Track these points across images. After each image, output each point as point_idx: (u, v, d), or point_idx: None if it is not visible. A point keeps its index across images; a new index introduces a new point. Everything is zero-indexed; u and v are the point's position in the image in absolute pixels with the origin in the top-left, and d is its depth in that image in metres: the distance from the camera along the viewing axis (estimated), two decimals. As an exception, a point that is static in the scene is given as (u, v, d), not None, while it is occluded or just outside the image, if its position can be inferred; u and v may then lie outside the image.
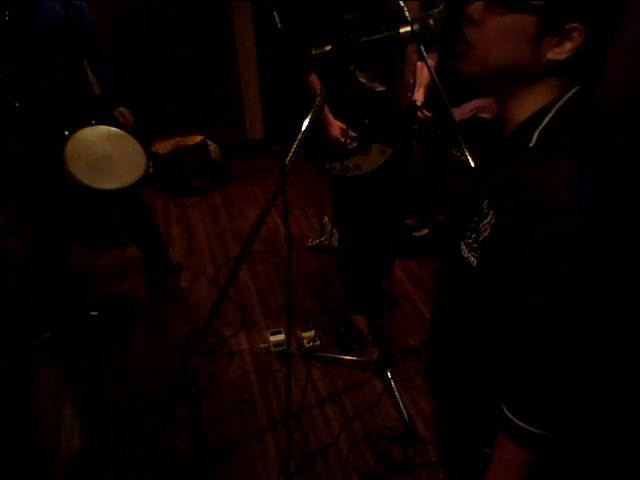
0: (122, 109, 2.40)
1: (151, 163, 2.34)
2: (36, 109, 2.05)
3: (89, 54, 2.26)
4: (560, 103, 0.73)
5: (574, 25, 0.67)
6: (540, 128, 0.73)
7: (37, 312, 2.52)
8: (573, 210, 0.67)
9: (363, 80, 1.83)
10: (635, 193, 0.71)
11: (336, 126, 1.84)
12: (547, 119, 0.73)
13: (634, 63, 1.88)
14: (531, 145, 0.73)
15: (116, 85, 2.41)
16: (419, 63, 1.85)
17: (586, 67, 0.72)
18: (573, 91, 0.73)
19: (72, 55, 2.09)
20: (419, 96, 1.87)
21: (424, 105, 1.86)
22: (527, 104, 0.75)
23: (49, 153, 2.09)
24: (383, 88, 1.85)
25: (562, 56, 0.69)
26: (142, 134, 2.37)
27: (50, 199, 2.19)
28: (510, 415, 0.79)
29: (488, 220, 0.78)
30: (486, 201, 0.80)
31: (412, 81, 1.91)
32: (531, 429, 0.77)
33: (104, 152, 2.16)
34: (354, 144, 1.86)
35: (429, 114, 1.86)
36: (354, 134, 1.84)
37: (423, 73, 1.86)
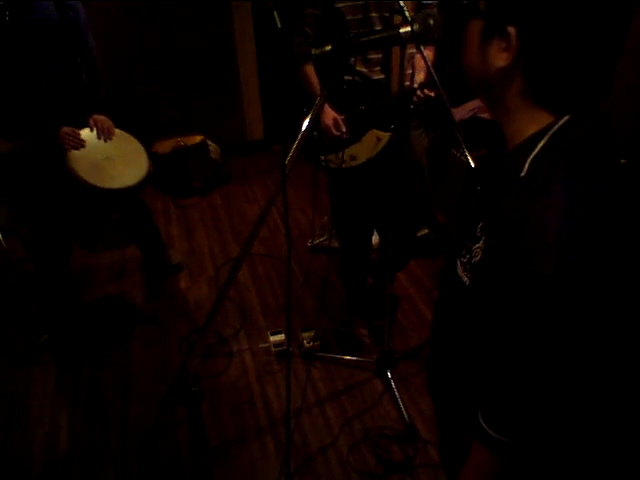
0: (98, 116, 2.18)
1: (151, 163, 2.32)
2: (35, 110, 2.04)
3: (81, 55, 2.23)
4: (554, 129, 0.69)
5: (511, 28, 0.65)
6: (532, 157, 0.69)
7: (37, 312, 2.52)
8: (555, 253, 0.64)
9: (363, 70, 1.82)
10: (631, 224, 0.69)
11: (330, 115, 1.81)
12: (540, 146, 0.69)
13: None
14: (522, 175, 0.69)
15: (111, 88, 2.30)
16: (418, 56, 1.83)
17: (548, 77, 0.67)
18: (567, 117, 0.69)
19: (69, 56, 2.08)
20: (419, 78, 1.85)
21: (424, 85, 1.83)
22: (517, 124, 0.73)
23: (48, 153, 2.09)
24: (382, 76, 1.82)
25: (503, 62, 0.68)
26: (142, 134, 2.37)
27: (49, 199, 2.19)
28: (484, 424, 0.83)
29: (479, 245, 0.77)
30: (481, 224, 0.78)
31: (410, 71, 1.89)
32: (500, 438, 0.81)
33: (106, 152, 2.16)
34: (346, 135, 1.84)
35: (430, 93, 1.81)
36: (344, 129, 1.82)
37: (422, 61, 1.85)
